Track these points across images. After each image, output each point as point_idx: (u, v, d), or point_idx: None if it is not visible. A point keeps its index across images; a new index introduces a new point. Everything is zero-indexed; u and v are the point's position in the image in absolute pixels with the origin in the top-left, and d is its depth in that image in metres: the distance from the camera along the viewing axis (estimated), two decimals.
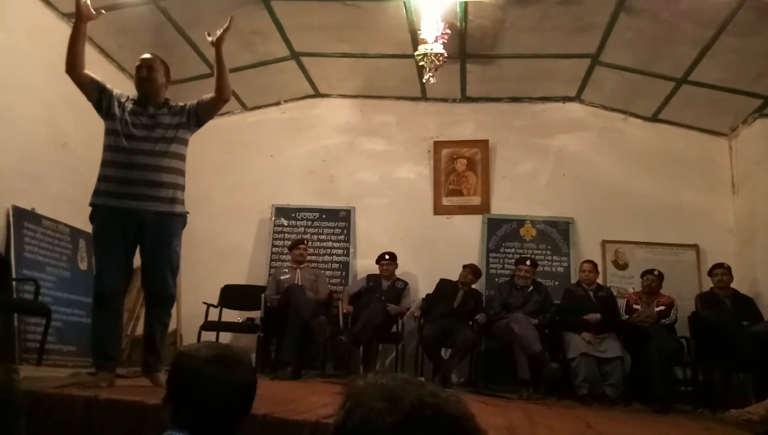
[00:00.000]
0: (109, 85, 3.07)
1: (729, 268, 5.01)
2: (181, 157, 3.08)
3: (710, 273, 5.11)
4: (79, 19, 2.94)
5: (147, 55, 3.15)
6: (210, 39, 3.04)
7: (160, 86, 3.10)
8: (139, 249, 3.04)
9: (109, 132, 3.00)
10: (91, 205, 2.99)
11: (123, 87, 5.44)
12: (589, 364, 4.55)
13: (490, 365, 4.96)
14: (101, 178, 2.99)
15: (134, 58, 5.27)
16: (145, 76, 3.05)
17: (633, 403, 4.49)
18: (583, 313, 4.84)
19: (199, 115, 3.13)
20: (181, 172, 3.08)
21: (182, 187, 3.09)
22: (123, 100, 3.05)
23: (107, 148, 3.00)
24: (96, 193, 2.98)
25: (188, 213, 3.13)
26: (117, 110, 3.00)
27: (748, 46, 4.61)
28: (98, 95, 3.01)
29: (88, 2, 2.90)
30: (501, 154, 6.22)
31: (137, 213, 2.92)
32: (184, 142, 3.11)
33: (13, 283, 4.08)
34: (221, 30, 3.02)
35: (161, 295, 3.04)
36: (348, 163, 6.29)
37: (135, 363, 4.02)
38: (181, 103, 3.16)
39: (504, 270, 5.86)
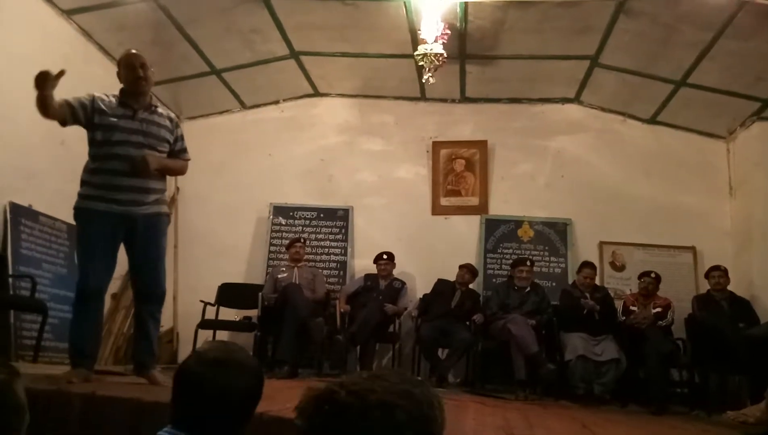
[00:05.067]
0: (85, 98, 2.97)
1: (726, 271, 5.03)
2: None
3: (707, 275, 5.12)
4: (43, 91, 2.81)
5: (135, 51, 3.06)
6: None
7: (151, 84, 3.11)
8: (126, 250, 3.07)
9: (98, 141, 2.96)
10: (76, 208, 2.99)
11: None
12: (586, 365, 4.56)
13: (486, 366, 4.97)
14: (89, 184, 2.97)
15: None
16: (141, 75, 3.00)
17: (629, 405, 4.49)
18: (580, 314, 4.86)
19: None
20: (164, 178, 3.16)
21: (165, 191, 3.18)
22: (107, 105, 2.99)
23: (100, 155, 2.96)
24: (83, 197, 2.97)
25: (170, 213, 3.23)
26: (105, 118, 2.96)
27: (747, 50, 4.62)
28: (87, 115, 2.95)
29: (50, 76, 2.77)
30: (499, 154, 6.23)
31: (126, 216, 2.95)
32: (167, 154, 3.15)
33: (10, 279, 4.07)
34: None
35: (155, 291, 3.10)
36: (346, 162, 6.29)
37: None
38: (170, 114, 3.19)
39: (501, 270, 5.86)
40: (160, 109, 3.14)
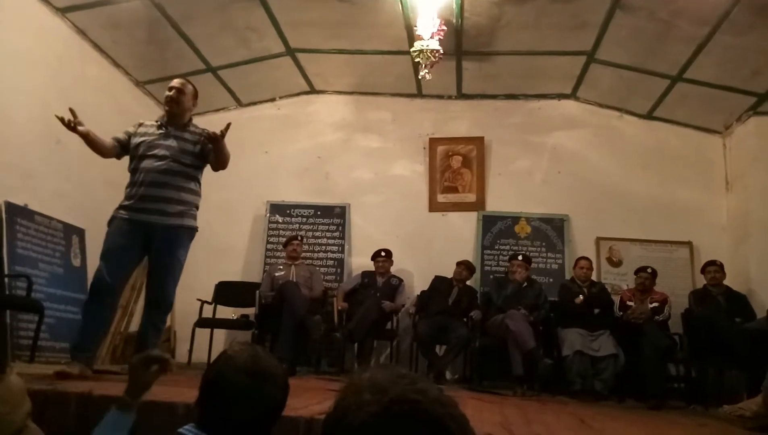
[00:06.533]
0: (131, 129, 3.32)
1: (721, 265, 5.04)
2: (192, 178, 3.28)
3: (703, 270, 5.13)
4: (73, 132, 3.09)
5: (177, 79, 3.40)
6: (210, 133, 3.13)
7: (186, 109, 3.33)
8: (147, 258, 3.25)
9: (133, 157, 3.25)
10: (111, 216, 3.23)
11: (117, 83, 5.48)
12: (583, 361, 4.58)
13: (484, 362, 4.96)
14: (124, 197, 3.23)
15: (129, 54, 5.34)
16: (171, 96, 3.28)
17: (626, 400, 4.51)
18: (576, 308, 4.88)
19: (206, 160, 3.34)
20: (192, 191, 3.29)
21: (193, 205, 3.30)
22: (146, 126, 3.30)
23: (131, 170, 3.25)
24: (117, 207, 3.22)
25: (197, 228, 3.33)
26: (138, 138, 3.26)
27: (743, 44, 4.63)
28: (129, 142, 3.27)
29: (71, 118, 3.06)
30: (496, 151, 6.23)
31: (148, 225, 3.13)
32: (198, 167, 3.32)
33: (6, 279, 4.05)
34: (222, 130, 3.13)
35: (159, 299, 3.22)
36: (343, 159, 6.28)
37: (129, 359, 4.03)
38: (200, 129, 3.35)
39: (499, 267, 5.87)
40: (194, 128, 3.33)
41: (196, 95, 3.38)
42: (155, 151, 3.19)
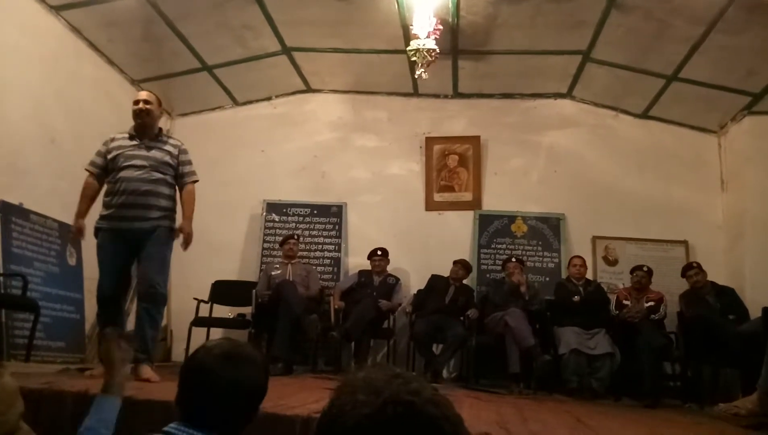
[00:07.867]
0: (102, 147, 3.47)
1: (699, 265, 4.98)
2: (171, 185, 3.47)
3: (684, 275, 5.04)
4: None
5: (142, 92, 3.63)
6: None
7: (156, 118, 3.52)
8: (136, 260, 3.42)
9: (111, 170, 3.41)
10: (95, 228, 3.39)
11: (113, 81, 5.46)
12: (579, 359, 4.59)
13: (481, 360, 4.98)
14: (104, 205, 3.40)
15: (124, 52, 5.32)
16: (141, 108, 3.44)
17: (622, 398, 4.52)
18: (573, 307, 4.89)
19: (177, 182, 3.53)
20: (170, 198, 3.46)
21: (170, 209, 3.46)
22: (118, 140, 3.45)
23: (109, 181, 3.41)
24: (99, 217, 3.39)
25: (175, 228, 3.47)
26: (114, 151, 3.41)
27: (738, 44, 4.64)
28: (106, 162, 3.43)
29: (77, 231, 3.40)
30: (493, 150, 6.24)
31: (130, 232, 3.30)
32: (175, 177, 3.49)
33: (1, 278, 4.04)
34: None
35: (147, 292, 3.32)
36: (339, 158, 6.28)
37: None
38: (176, 142, 3.54)
39: (495, 266, 5.87)
40: (166, 138, 3.52)
41: (160, 103, 3.60)
42: (134, 162, 3.35)
